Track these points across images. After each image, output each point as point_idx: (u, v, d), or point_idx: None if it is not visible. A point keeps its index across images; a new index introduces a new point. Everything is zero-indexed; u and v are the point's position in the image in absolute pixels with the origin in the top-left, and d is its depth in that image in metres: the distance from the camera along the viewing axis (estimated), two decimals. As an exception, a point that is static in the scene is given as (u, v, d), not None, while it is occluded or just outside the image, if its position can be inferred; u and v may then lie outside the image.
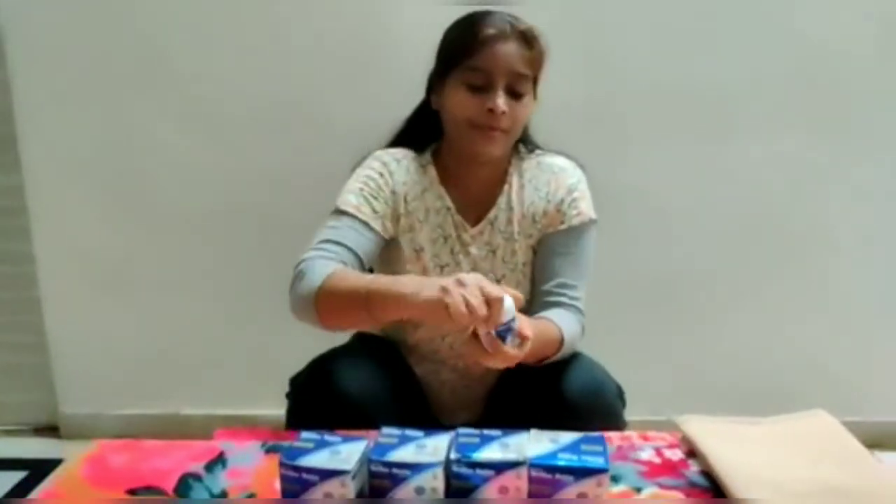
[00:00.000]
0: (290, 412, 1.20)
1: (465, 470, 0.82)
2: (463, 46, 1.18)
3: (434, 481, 0.82)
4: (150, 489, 0.92)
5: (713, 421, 1.06)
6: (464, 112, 1.18)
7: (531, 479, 0.82)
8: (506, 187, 1.27)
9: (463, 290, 0.92)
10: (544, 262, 1.26)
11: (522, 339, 0.99)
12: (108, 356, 2.04)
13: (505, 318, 0.95)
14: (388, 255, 1.27)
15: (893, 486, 0.91)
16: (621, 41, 1.82)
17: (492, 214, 1.27)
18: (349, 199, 1.21)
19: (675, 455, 1.02)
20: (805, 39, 1.82)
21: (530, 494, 0.82)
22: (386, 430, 0.89)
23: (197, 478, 0.95)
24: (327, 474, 0.80)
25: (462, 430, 0.89)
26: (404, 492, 0.82)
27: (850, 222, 1.92)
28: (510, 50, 1.17)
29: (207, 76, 1.86)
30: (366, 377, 1.15)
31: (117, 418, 2.05)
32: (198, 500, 0.91)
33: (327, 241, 1.16)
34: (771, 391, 1.80)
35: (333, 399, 1.10)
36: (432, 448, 0.85)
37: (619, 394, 1.23)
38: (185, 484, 0.93)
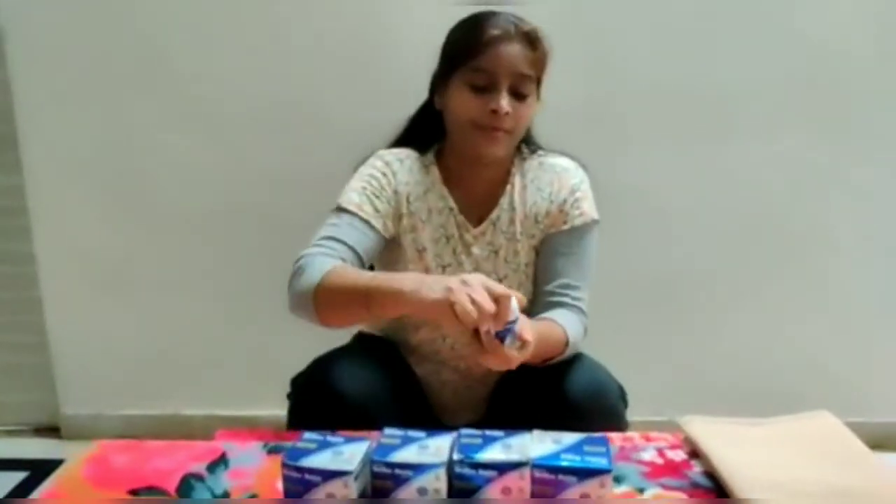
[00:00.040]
0: (291, 412, 1.20)
1: (467, 471, 0.82)
2: (467, 47, 1.18)
3: (436, 482, 0.81)
4: (151, 489, 0.91)
5: (715, 422, 1.05)
6: (467, 112, 1.18)
7: (534, 480, 0.82)
8: (508, 188, 1.27)
9: (468, 290, 0.92)
10: (547, 262, 1.26)
11: (522, 342, 0.98)
12: (108, 356, 2.04)
13: (510, 316, 0.95)
14: (390, 255, 1.27)
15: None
16: (621, 41, 1.82)
17: (494, 215, 1.27)
18: (351, 197, 1.21)
19: (678, 456, 1.01)
20: (805, 39, 1.82)
21: (533, 495, 0.82)
22: (388, 430, 0.89)
23: (199, 478, 0.94)
24: (330, 475, 0.80)
25: (464, 431, 0.88)
26: (407, 492, 0.81)
27: (850, 222, 1.93)
28: (514, 51, 1.17)
29: (207, 76, 1.86)
30: (367, 378, 1.14)
31: (118, 419, 2.05)
32: (200, 500, 0.91)
33: (328, 237, 1.16)
34: (771, 391, 1.80)
35: (334, 399, 1.10)
36: (435, 449, 0.84)
37: (622, 394, 1.23)
38: (187, 484, 0.93)
